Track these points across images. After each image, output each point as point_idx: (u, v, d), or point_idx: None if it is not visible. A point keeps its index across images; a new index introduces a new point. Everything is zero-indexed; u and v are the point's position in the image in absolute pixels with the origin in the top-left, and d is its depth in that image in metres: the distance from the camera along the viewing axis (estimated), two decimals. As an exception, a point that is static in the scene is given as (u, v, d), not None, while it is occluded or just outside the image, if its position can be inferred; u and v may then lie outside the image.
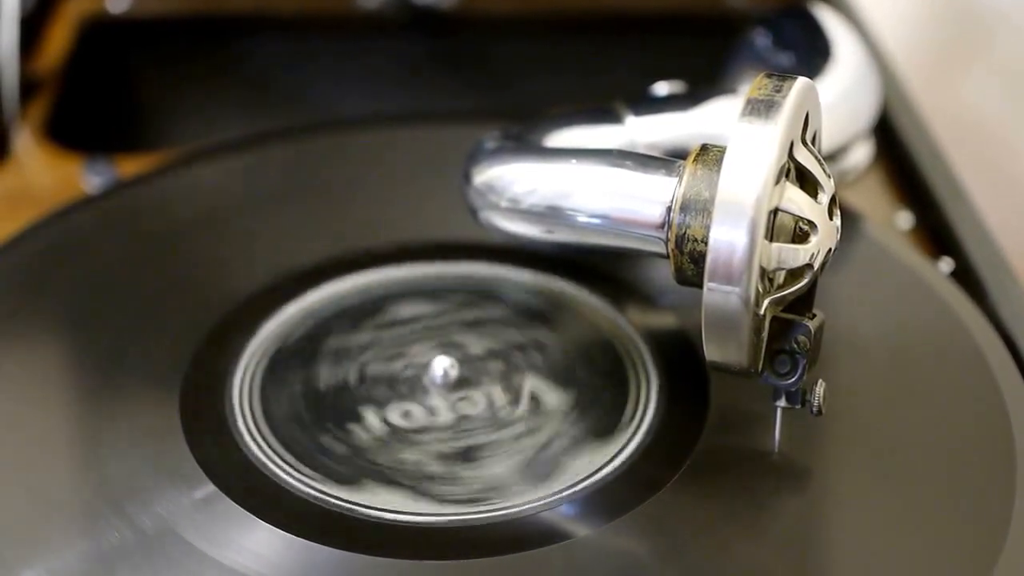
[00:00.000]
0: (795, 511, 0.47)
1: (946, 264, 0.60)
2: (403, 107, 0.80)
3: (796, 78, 0.45)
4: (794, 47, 0.66)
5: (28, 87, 0.73)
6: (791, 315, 0.46)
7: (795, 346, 0.46)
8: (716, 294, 0.44)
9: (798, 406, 0.47)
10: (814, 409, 0.47)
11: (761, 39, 0.67)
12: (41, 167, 0.68)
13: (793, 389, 0.47)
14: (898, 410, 0.50)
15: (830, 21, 0.66)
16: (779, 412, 0.48)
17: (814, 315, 0.47)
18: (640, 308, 0.55)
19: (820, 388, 0.47)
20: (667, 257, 0.47)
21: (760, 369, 0.46)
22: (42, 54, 0.77)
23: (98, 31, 0.80)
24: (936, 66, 0.95)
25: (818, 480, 0.48)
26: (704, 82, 0.62)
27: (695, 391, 0.51)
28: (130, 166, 0.66)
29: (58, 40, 0.78)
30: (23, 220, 0.60)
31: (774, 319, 0.46)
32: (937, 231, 0.62)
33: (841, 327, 0.52)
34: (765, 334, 0.46)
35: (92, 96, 0.78)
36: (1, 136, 0.69)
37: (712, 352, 0.45)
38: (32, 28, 0.77)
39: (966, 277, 0.58)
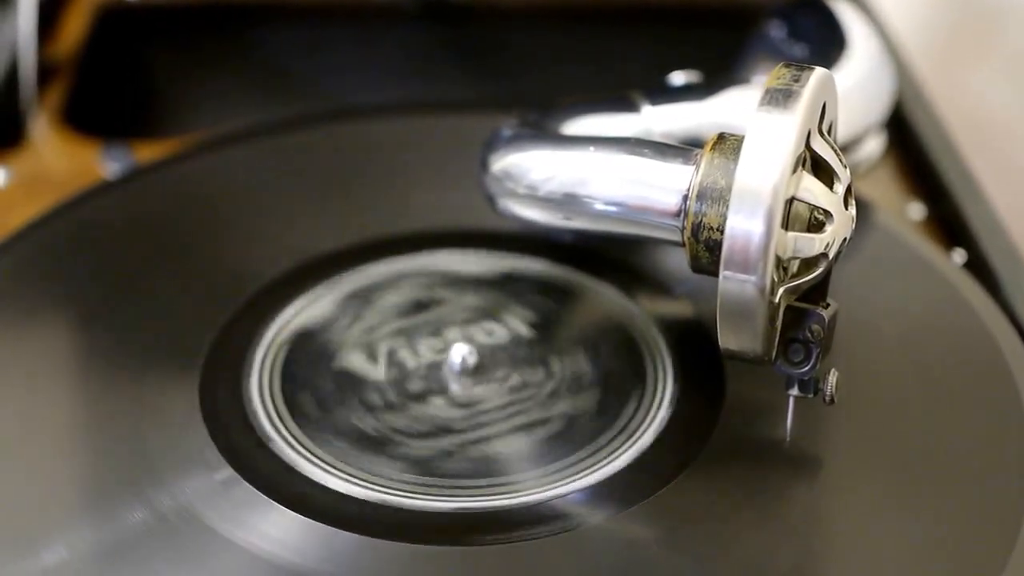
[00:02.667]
0: (808, 501, 0.47)
1: (959, 256, 0.60)
2: (416, 96, 0.80)
3: (814, 68, 0.45)
4: (809, 39, 0.66)
5: (45, 73, 0.73)
6: (805, 304, 0.46)
7: (809, 335, 0.46)
8: (732, 282, 0.44)
9: (811, 395, 0.47)
10: (827, 398, 0.47)
11: (776, 31, 0.67)
12: (58, 152, 0.68)
13: (806, 378, 0.47)
14: (911, 400, 0.50)
15: (845, 13, 0.66)
16: (792, 401, 0.48)
17: (828, 304, 0.47)
18: (656, 297, 0.55)
19: (833, 377, 0.47)
20: (683, 245, 0.47)
21: (774, 357, 0.46)
22: (59, 40, 0.77)
23: (114, 17, 0.80)
24: (948, 57, 0.95)
25: (832, 470, 0.48)
26: (718, 74, 0.62)
27: (710, 380, 0.51)
28: (145, 152, 0.66)
29: (75, 26, 0.78)
30: (41, 205, 0.60)
31: (788, 308, 0.46)
32: (949, 222, 0.62)
33: (854, 316, 0.52)
34: (779, 323, 0.46)
35: (108, 82, 0.78)
36: (18, 121, 0.69)
37: (726, 340, 0.46)
38: (49, 14, 0.77)
39: (979, 268, 0.58)
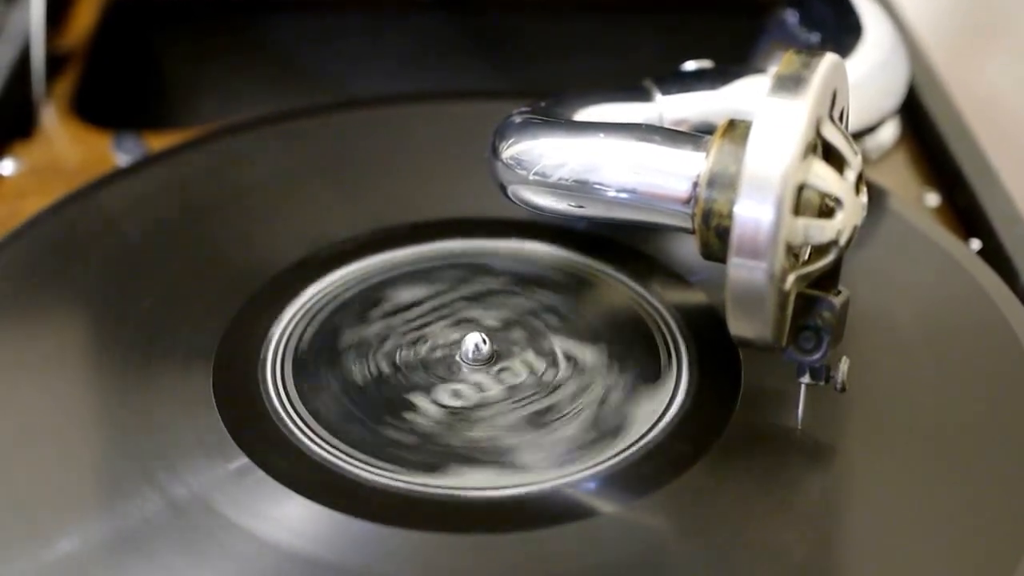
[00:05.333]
0: (824, 489, 0.47)
1: (975, 245, 0.59)
2: (427, 86, 0.80)
3: (824, 54, 0.45)
4: (823, 26, 0.65)
5: (55, 63, 0.73)
6: (816, 291, 0.46)
7: (819, 322, 0.46)
8: (741, 269, 0.44)
9: (822, 382, 0.47)
10: (838, 386, 0.47)
11: (791, 18, 0.67)
12: (68, 143, 0.68)
13: (817, 365, 0.47)
14: (927, 387, 0.50)
15: (859, 0, 0.66)
16: (803, 388, 0.48)
17: (839, 291, 0.47)
18: (671, 285, 0.55)
19: (844, 365, 0.47)
20: (693, 232, 0.47)
21: (785, 345, 0.46)
22: (69, 30, 0.77)
23: (124, 7, 0.80)
24: (963, 44, 0.95)
25: (847, 458, 0.48)
26: (732, 62, 0.61)
27: (726, 369, 0.51)
28: (156, 143, 0.66)
29: (85, 16, 0.78)
30: (52, 195, 0.60)
31: (799, 295, 0.46)
32: (964, 211, 0.62)
33: (870, 304, 0.52)
34: (790, 310, 0.46)
35: (118, 73, 0.78)
36: (29, 112, 0.70)
37: (737, 327, 0.45)
38: (59, 4, 0.77)
39: (995, 257, 0.58)
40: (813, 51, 0.45)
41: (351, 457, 0.48)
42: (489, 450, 0.48)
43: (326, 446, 0.48)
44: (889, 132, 0.66)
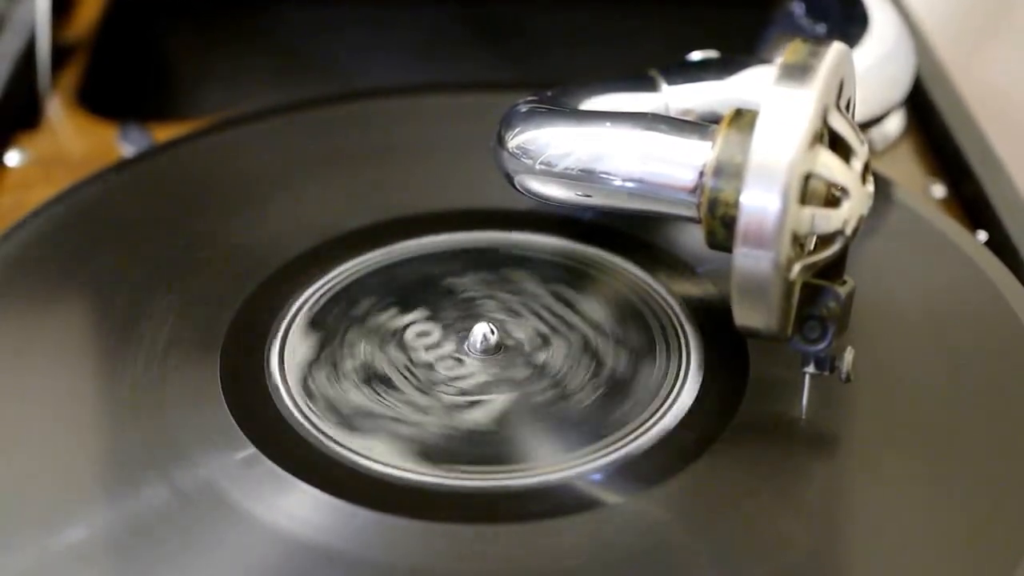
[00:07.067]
0: (832, 481, 0.47)
1: (981, 236, 0.59)
2: (433, 77, 0.80)
3: (831, 43, 0.45)
4: (830, 17, 0.65)
5: (61, 54, 0.73)
6: (822, 281, 0.46)
7: (825, 312, 0.46)
8: (747, 259, 0.44)
9: (826, 372, 0.47)
10: (843, 376, 0.47)
11: (797, 9, 0.67)
12: (73, 134, 0.68)
13: (821, 355, 0.47)
14: (933, 378, 0.50)
15: (866, -10, 0.66)
16: (808, 378, 0.48)
17: (845, 281, 0.46)
18: (679, 276, 0.55)
19: (849, 355, 0.47)
20: (699, 222, 0.47)
21: (790, 334, 0.46)
22: (74, 21, 0.77)
23: (130, -2, 0.80)
24: (969, 37, 0.94)
25: (854, 449, 0.48)
26: (739, 53, 0.61)
27: (734, 360, 0.50)
28: (162, 134, 0.66)
29: (90, 7, 0.78)
30: (58, 186, 0.60)
31: (804, 285, 0.46)
32: (971, 202, 0.62)
33: (874, 294, 0.51)
34: (795, 299, 0.46)
35: (124, 64, 0.78)
36: (34, 103, 0.70)
37: (742, 316, 0.45)
38: (65, -6, 0.78)
39: (1001, 248, 0.57)
40: (820, 40, 0.45)
41: (357, 447, 0.47)
42: (495, 440, 0.48)
43: (333, 435, 0.48)
44: (895, 123, 0.66)
